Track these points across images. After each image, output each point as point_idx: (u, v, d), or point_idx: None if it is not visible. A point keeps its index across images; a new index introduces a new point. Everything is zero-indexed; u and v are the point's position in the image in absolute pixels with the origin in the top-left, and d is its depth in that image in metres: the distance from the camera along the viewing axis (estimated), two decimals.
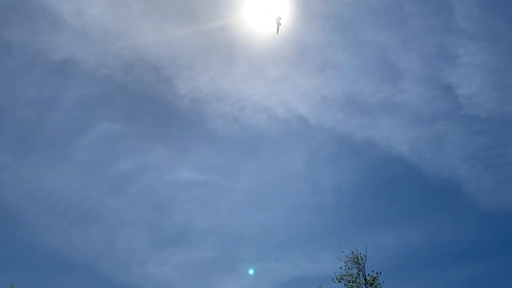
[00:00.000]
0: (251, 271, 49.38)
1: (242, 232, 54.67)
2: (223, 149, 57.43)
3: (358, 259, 25.53)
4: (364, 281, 25.14)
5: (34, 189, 50.46)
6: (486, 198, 52.30)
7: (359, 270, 25.51)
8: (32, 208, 50.16)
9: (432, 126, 54.80)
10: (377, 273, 25.22)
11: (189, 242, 54.29)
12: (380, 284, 25.07)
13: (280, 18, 28.14)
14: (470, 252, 50.46)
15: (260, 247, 54.30)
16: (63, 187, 51.56)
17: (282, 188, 57.42)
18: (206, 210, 56.75)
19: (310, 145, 56.85)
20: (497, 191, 52.43)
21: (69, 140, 53.77)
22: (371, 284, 25.01)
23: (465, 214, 53.13)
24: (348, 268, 25.67)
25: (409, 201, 55.97)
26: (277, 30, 28.32)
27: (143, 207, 54.47)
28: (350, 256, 25.78)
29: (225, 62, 54.91)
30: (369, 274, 25.27)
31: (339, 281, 25.34)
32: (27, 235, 48.60)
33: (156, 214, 55.04)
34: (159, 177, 55.60)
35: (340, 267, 25.76)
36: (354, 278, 25.26)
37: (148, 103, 56.27)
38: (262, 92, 55.19)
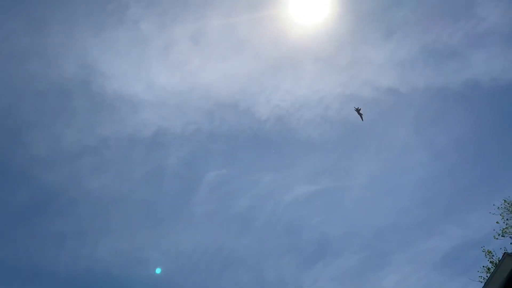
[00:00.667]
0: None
1: (379, 224, 52.80)
2: (324, 152, 56.65)
3: None
4: None
5: (176, 255, 54.11)
6: None
7: None
8: (181, 273, 53.69)
9: None
10: None
11: (332, 252, 53.81)
12: None
13: (360, 109, 29.13)
14: None
15: (404, 232, 51.90)
16: (198, 243, 54.58)
17: (401, 167, 54.60)
18: (334, 215, 56.02)
19: (410, 113, 53.52)
20: None
21: (186, 199, 57.22)
22: None
23: None
24: (507, 219, 23.21)
25: None
26: (362, 118, 29.20)
27: (275, 235, 55.42)
28: (503, 206, 23.29)
29: (292, 70, 54.88)
30: None
31: (502, 236, 22.96)
32: None
33: (290, 237, 55.56)
34: (278, 202, 56.35)
35: (497, 222, 23.38)
36: None
37: (239, 139, 57.93)
38: (339, 82, 53.78)
